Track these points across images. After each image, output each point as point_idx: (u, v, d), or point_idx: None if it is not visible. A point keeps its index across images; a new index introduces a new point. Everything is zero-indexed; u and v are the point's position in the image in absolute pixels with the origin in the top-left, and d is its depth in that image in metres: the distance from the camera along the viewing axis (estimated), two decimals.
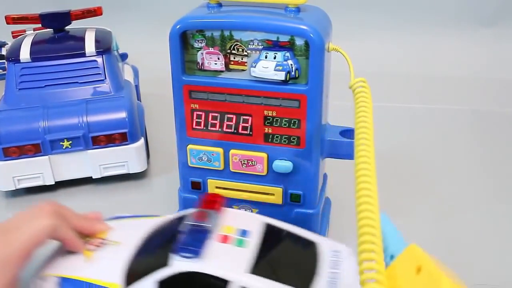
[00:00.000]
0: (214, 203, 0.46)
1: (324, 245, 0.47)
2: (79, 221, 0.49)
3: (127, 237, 0.48)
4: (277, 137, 0.51)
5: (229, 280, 0.41)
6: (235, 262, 0.42)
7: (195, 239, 0.42)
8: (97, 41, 0.74)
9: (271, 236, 0.46)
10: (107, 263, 0.46)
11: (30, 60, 0.71)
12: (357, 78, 0.45)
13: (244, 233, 0.45)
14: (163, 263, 0.42)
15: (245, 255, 0.42)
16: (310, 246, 0.46)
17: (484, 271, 0.56)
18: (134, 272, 0.44)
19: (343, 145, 0.53)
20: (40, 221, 0.45)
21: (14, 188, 0.68)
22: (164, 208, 0.63)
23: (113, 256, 0.46)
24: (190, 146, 0.54)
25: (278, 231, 0.47)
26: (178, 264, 0.41)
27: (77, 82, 0.71)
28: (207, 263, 0.41)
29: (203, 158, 0.54)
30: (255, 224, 0.46)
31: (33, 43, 0.74)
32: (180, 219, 0.47)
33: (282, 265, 0.44)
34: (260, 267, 0.42)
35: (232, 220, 0.46)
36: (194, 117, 0.53)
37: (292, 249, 0.46)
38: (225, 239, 0.44)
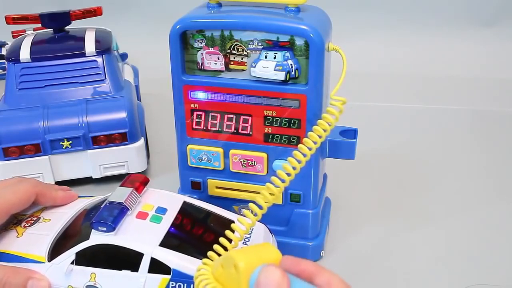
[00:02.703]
0: (134, 183, 0.49)
1: (239, 223, 0.49)
2: (56, 192, 0.54)
3: (58, 215, 0.52)
4: (277, 137, 0.51)
5: (140, 252, 0.44)
6: (148, 235, 0.45)
7: (110, 215, 0.45)
8: (97, 41, 0.74)
9: (188, 213, 0.50)
10: (36, 238, 0.49)
11: (30, 60, 0.71)
12: (340, 98, 0.47)
13: (161, 210, 0.48)
14: (86, 237, 0.45)
15: (158, 230, 0.46)
16: (225, 222, 0.49)
17: (485, 271, 0.56)
18: (60, 246, 0.48)
19: (343, 145, 0.52)
20: (23, 185, 0.51)
21: None
22: None
23: (42, 232, 0.50)
24: (190, 146, 0.54)
25: (196, 209, 0.51)
26: (94, 237, 0.45)
27: (77, 82, 0.71)
28: (120, 236, 0.45)
29: (203, 158, 0.54)
30: (174, 203, 0.50)
31: (33, 43, 0.74)
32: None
33: (192, 239, 0.48)
34: (170, 241, 0.45)
35: (154, 199, 0.50)
36: (194, 117, 0.53)
37: (206, 225, 0.50)
38: (142, 215, 0.47)
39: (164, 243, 0.45)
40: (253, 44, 0.49)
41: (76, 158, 0.68)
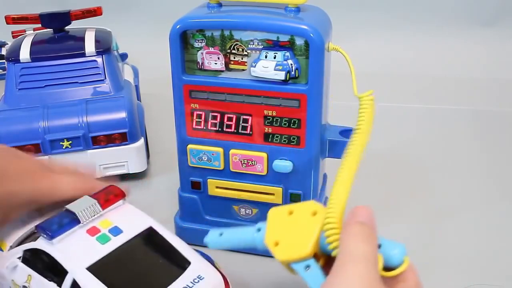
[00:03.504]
0: (108, 195, 0.46)
1: (194, 267, 0.43)
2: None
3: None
4: (277, 137, 0.51)
5: (66, 269, 0.41)
6: (83, 254, 0.42)
7: (58, 223, 0.43)
8: (97, 41, 0.74)
9: (143, 242, 0.44)
10: (22, 225, 0.48)
11: (30, 60, 0.71)
12: (367, 93, 0.45)
13: (116, 231, 0.44)
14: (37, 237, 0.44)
15: (96, 251, 0.42)
16: (176, 263, 0.44)
17: (485, 271, 0.56)
18: (27, 239, 0.46)
19: (343, 145, 0.52)
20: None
21: None
22: (164, 208, 0.63)
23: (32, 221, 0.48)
24: (190, 146, 0.54)
25: (157, 239, 0.45)
26: (39, 241, 0.43)
27: (77, 82, 0.71)
28: (57, 247, 0.42)
29: (203, 158, 0.54)
30: (137, 226, 0.45)
31: (33, 43, 0.74)
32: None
33: (127, 272, 0.43)
34: (102, 267, 0.41)
35: (117, 216, 0.45)
36: (194, 117, 0.53)
37: (154, 260, 0.44)
38: (93, 231, 0.44)
39: (93, 268, 0.41)
40: (253, 44, 0.49)
41: (76, 158, 0.68)
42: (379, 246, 0.36)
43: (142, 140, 0.70)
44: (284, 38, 0.48)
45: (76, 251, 0.42)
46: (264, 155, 0.52)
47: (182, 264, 0.43)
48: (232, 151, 0.53)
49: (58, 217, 0.44)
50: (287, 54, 0.48)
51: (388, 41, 1.17)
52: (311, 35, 0.46)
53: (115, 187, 0.47)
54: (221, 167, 0.54)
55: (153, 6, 1.25)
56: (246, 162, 0.53)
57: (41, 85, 0.71)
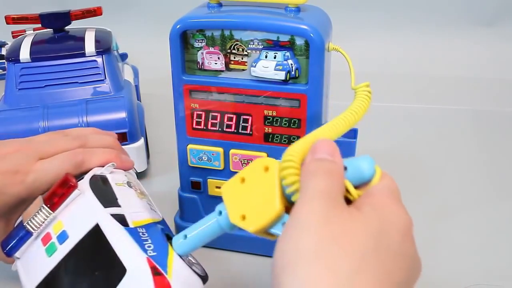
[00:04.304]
0: (55, 191, 0.41)
1: (127, 278, 0.37)
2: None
3: None
4: (277, 137, 0.51)
5: None
6: (32, 272, 0.40)
7: (15, 237, 0.41)
8: (97, 41, 0.74)
9: (86, 247, 0.40)
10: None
11: (30, 60, 0.71)
12: (362, 84, 0.45)
13: (63, 236, 0.40)
14: None
15: (42, 267, 0.40)
16: (112, 273, 0.38)
17: (485, 271, 0.56)
18: None
19: (343, 144, 0.52)
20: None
21: None
22: (164, 208, 0.63)
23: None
24: (190, 146, 0.54)
25: (99, 242, 0.39)
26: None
27: (77, 82, 0.71)
28: (20, 263, 0.42)
29: (203, 158, 0.54)
30: (84, 226, 0.40)
31: (33, 43, 0.74)
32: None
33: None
34: (45, 286, 0.40)
35: (69, 215, 0.41)
36: (194, 117, 0.53)
37: (90, 273, 0.39)
38: (46, 239, 0.41)
39: None
40: (253, 44, 0.49)
41: None
42: (345, 169, 0.34)
43: (142, 140, 0.70)
44: (284, 38, 0.48)
45: (30, 268, 0.41)
46: (264, 155, 0.52)
47: (118, 273, 0.38)
48: (232, 151, 0.53)
49: (17, 229, 0.42)
50: (287, 54, 0.48)
51: (388, 41, 1.17)
52: (311, 35, 0.46)
53: (68, 178, 0.41)
54: (221, 167, 0.54)
55: (153, 6, 1.25)
56: (246, 162, 0.53)
57: (41, 85, 0.71)
